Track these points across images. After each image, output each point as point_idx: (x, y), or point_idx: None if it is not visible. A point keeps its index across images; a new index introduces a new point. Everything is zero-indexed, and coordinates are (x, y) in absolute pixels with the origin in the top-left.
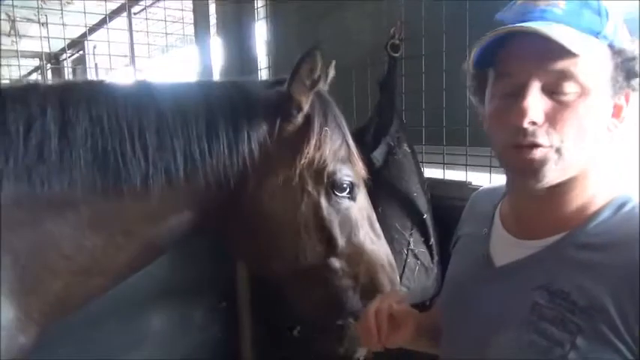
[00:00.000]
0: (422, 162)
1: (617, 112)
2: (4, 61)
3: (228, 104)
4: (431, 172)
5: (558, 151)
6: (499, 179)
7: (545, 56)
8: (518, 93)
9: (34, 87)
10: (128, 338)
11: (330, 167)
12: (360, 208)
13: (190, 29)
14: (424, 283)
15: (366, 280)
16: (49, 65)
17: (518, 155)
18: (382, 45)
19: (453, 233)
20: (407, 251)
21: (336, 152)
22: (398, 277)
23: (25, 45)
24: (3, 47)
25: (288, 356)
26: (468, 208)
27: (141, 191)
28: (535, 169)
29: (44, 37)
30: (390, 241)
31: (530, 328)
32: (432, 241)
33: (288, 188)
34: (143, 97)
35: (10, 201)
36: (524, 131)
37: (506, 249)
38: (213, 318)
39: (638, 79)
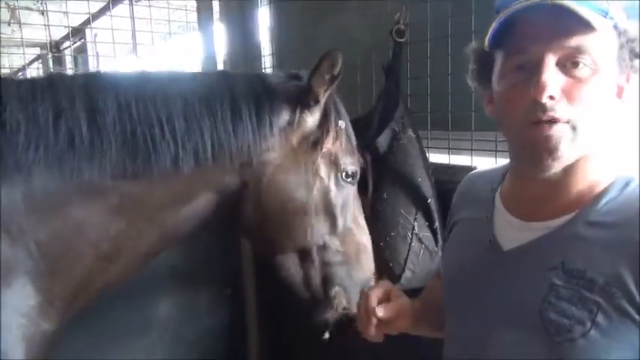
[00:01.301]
0: (427, 147)
1: (619, 92)
2: (4, 50)
3: (251, 93)
4: (436, 158)
5: (574, 127)
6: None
7: (561, 31)
8: (533, 69)
9: (60, 77)
10: (135, 324)
11: (343, 157)
12: (354, 192)
13: (193, 16)
14: (428, 267)
15: (353, 257)
16: (50, 54)
17: (536, 132)
18: (387, 31)
19: None
20: (411, 235)
21: (345, 144)
22: (372, 261)
23: (24, 34)
24: (3, 36)
25: (291, 344)
26: (461, 192)
27: (170, 173)
28: (552, 146)
29: (45, 25)
30: (395, 225)
31: (550, 308)
32: (437, 225)
33: (305, 174)
34: (169, 85)
35: (38, 189)
36: (543, 106)
37: (513, 232)
38: (219, 304)
39: (639, 60)
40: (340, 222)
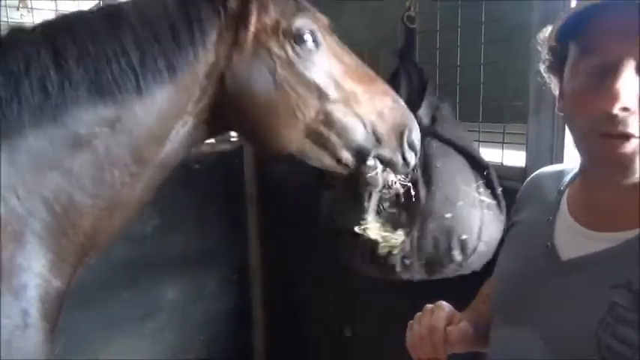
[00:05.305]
0: None
1: None
2: None
3: (183, 10)
4: None
5: None
6: (513, 155)
7: None
8: (608, 73)
9: (20, 30)
10: (144, 308)
11: (284, 24)
12: (334, 52)
13: None
14: (496, 237)
15: (372, 115)
16: None
17: (605, 145)
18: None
19: None
20: (479, 204)
21: (284, 8)
22: (406, 107)
23: (33, 18)
24: (12, 21)
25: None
26: (526, 191)
27: (139, 107)
28: (624, 163)
29: (54, 10)
30: (460, 194)
31: (607, 330)
32: (499, 191)
33: (257, 58)
34: (114, 18)
35: (35, 146)
36: (614, 119)
37: (575, 240)
38: (226, 289)
39: None
40: (329, 87)
